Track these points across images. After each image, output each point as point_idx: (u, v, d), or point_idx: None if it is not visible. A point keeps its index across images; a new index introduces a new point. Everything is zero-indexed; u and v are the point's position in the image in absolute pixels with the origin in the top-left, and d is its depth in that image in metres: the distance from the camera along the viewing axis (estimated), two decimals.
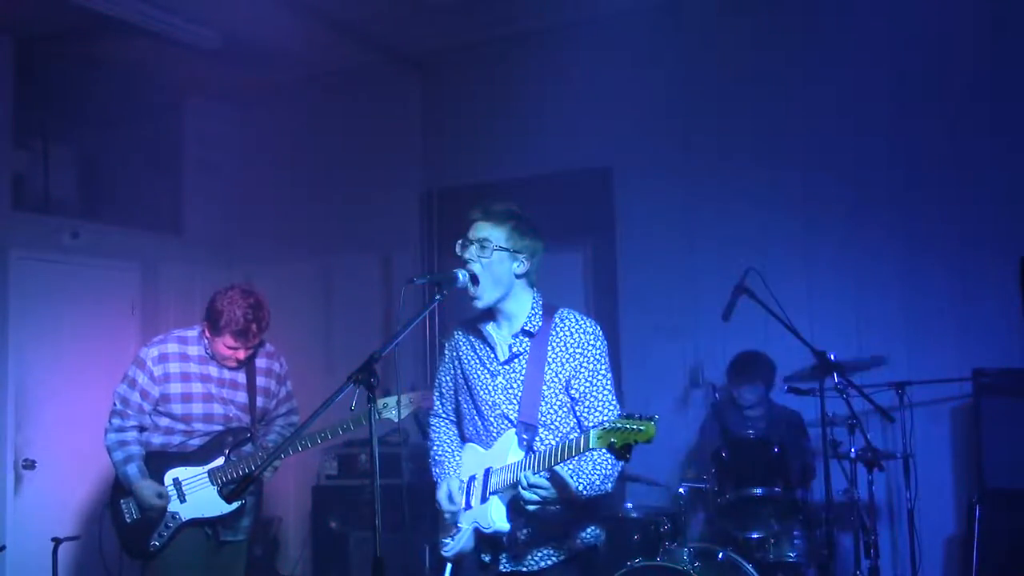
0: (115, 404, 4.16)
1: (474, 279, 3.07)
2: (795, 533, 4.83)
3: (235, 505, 4.06)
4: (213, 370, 4.16)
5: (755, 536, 4.74)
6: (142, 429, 4.15)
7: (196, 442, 4.12)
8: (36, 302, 6.15)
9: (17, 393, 6.03)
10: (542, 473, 2.94)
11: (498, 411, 3.14)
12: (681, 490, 4.74)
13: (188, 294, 6.90)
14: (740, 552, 4.68)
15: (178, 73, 6.95)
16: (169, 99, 7.23)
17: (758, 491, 4.65)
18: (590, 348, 3.11)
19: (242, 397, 4.20)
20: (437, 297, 3.09)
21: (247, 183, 7.59)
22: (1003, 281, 5.25)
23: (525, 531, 3.10)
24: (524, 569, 3.11)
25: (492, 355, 3.18)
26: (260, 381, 4.25)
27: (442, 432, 3.40)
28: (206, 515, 4.08)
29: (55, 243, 6.33)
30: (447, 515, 3.19)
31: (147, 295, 6.88)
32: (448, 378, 3.36)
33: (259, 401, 4.24)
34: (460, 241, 3.15)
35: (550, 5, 6.17)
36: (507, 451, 3.07)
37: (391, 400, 3.86)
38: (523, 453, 3.04)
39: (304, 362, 6.95)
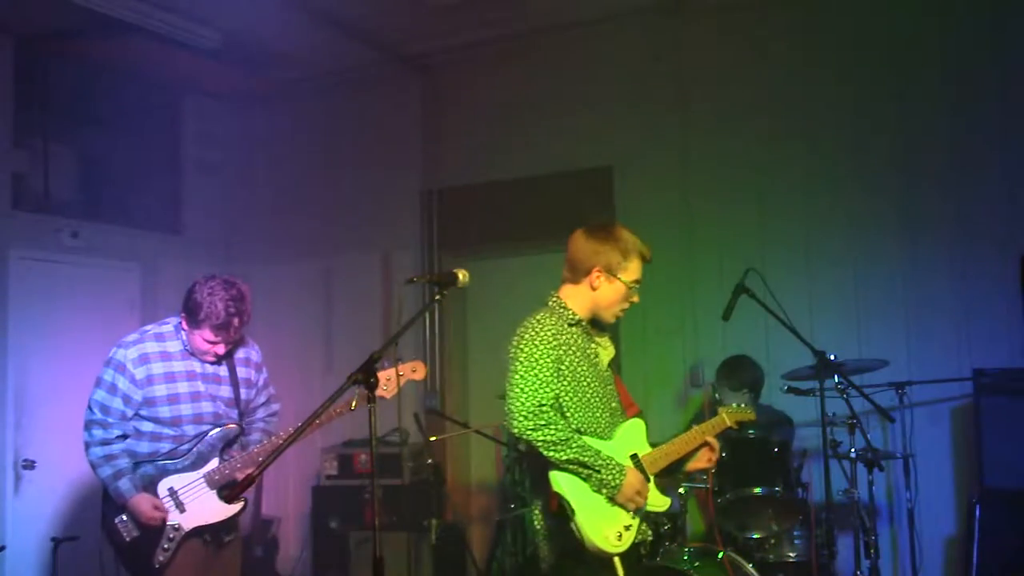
0: (93, 413, 3.84)
1: None
2: (795, 533, 4.83)
3: (238, 507, 3.86)
4: (196, 365, 3.91)
5: (755, 536, 4.74)
6: (124, 438, 3.86)
7: (186, 447, 3.85)
8: (36, 302, 6.14)
9: (17, 393, 6.02)
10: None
11: (612, 405, 3.36)
12: (681, 490, 4.73)
13: None
14: (740, 552, 4.68)
15: (178, 73, 6.94)
16: (169, 99, 7.23)
17: (758, 491, 4.66)
18: None
19: (226, 392, 3.97)
20: (437, 297, 3.13)
21: (247, 183, 7.59)
22: (1003, 281, 5.26)
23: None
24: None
25: (597, 360, 3.39)
26: (241, 372, 4.03)
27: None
28: (209, 521, 3.83)
29: (55, 243, 6.32)
30: (634, 507, 3.20)
31: (147, 295, 6.86)
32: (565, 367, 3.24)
33: (243, 393, 4.03)
34: (637, 283, 3.60)
35: (550, 5, 6.16)
36: (642, 438, 3.36)
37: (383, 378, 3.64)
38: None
39: (304, 362, 6.99)
